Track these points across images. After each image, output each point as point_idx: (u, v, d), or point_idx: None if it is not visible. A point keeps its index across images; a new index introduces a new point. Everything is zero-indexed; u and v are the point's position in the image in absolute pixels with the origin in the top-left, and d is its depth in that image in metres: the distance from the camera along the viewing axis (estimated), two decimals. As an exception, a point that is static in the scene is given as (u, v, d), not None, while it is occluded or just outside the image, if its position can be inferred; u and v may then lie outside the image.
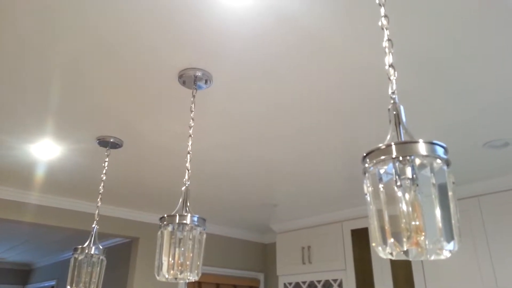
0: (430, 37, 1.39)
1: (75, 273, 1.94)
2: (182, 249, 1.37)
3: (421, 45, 1.43)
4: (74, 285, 1.90)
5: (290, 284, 3.73)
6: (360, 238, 3.43)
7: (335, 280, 3.36)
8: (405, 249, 0.72)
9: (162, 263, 1.36)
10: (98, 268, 1.99)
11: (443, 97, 1.74)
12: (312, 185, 2.88)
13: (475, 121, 1.93)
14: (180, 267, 1.36)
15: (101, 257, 1.99)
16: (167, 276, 1.32)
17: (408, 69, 1.56)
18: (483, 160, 2.37)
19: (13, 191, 3.03)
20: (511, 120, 1.92)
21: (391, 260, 3.06)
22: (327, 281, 3.54)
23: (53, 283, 5.93)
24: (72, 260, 1.95)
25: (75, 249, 1.94)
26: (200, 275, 1.39)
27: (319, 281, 3.48)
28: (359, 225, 3.30)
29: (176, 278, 1.35)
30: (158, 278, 1.35)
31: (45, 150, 2.34)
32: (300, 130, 2.06)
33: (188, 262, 1.37)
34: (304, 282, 3.61)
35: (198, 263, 1.39)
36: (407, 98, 1.75)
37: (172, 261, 1.36)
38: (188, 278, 1.34)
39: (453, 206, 0.76)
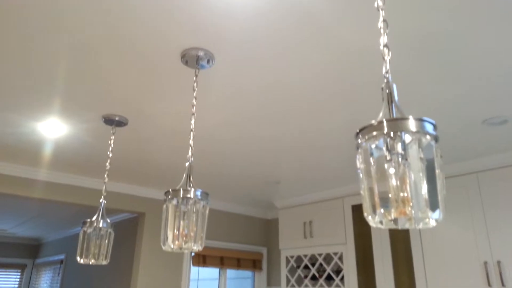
0: (424, 13, 1.40)
1: (84, 245, 2.02)
2: (186, 221, 1.44)
3: (416, 22, 1.44)
4: (83, 256, 1.99)
5: (292, 257, 3.84)
6: (361, 213, 3.51)
7: (335, 254, 3.46)
8: (393, 217, 0.77)
9: (167, 235, 1.43)
10: (106, 241, 2.08)
11: (441, 75, 1.76)
12: (314, 162, 2.93)
13: (473, 98, 1.96)
14: (184, 238, 1.43)
15: (109, 230, 2.07)
16: (172, 246, 1.39)
17: (404, 47, 1.58)
18: (482, 137, 2.40)
19: (22, 168, 3.11)
20: (509, 97, 1.94)
21: (390, 234, 3.14)
22: (327, 255, 3.65)
23: (62, 257, 6.11)
24: (81, 233, 2.03)
25: (84, 223, 2.02)
26: (203, 245, 1.46)
27: (320, 255, 3.58)
28: (360, 201, 3.37)
29: (181, 248, 1.43)
30: (164, 248, 1.42)
31: (52, 128, 2.40)
32: (301, 109, 2.10)
33: (192, 234, 1.43)
34: (305, 256, 3.72)
35: (202, 234, 1.46)
36: (404, 77, 1.77)
37: (177, 233, 1.43)
38: (193, 248, 1.41)
39: (439, 179, 0.81)
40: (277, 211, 4.58)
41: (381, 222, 0.83)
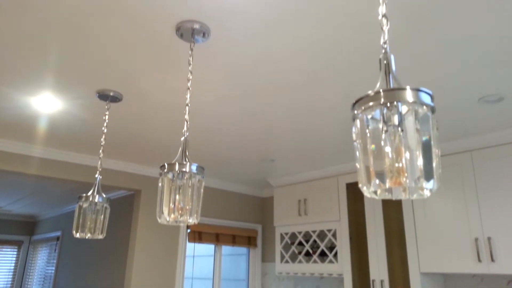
0: (428, -12, 1.38)
1: (80, 220, 2.03)
2: (182, 195, 1.44)
3: (419, -3, 1.42)
4: (79, 230, 2.00)
5: (286, 234, 3.89)
6: (355, 191, 3.54)
7: (329, 230, 3.51)
8: (387, 187, 0.77)
9: (163, 208, 1.44)
10: (102, 216, 2.09)
11: (438, 51, 1.75)
12: (309, 140, 2.93)
13: (470, 76, 1.95)
14: (180, 211, 1.43)
15: (104, 205, 2.08)
16: (168, 219, 1.40)
17: (400, 20, 1.56)
18: (477, 115, 2.41)
19: (16, 144, 3.09)
20: (506, 74, 1.94)
21: (384, 212, 3.18)
22: (321, 231, 3.70)
23: (58, 233, 6.16)
24: (77, 208, 2.04)
25: (80, 197, 2.02)
26: (199, 219, 1.47)
27: (314, 231, 3.63)
28: (354, 178, 3.40)
29: (176, 221, 1.44)
30: (160, 221, 1.43)
31: (46, 103, 2.37)
32: (297, 85, 2.08)
33: (187, 207, 1.44)
34: (299, 232, 3.77)
35: (197, 208, 1.46)
36: (401, 52, 1.76)
37: (173, 206, 1.44)
38: (188, 221, 1.42)
39: (434, 150, 0.81)
40: (272, 189, 4.61)
41: (375, 192, 0.83)
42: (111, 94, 2.25)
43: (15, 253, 7.13)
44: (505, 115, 2.39)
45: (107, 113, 2.32)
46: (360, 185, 0.85)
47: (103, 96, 2.26)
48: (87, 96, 2.27)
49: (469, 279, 2.84)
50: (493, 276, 2.73)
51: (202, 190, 1.51)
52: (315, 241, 3.70)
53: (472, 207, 2.60)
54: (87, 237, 2.00)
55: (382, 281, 2.95)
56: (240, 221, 4.50)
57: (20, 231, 7.22)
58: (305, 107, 2.37)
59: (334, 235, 3.51)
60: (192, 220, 1.43)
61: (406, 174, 0.79)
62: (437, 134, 0.84)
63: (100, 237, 2.03)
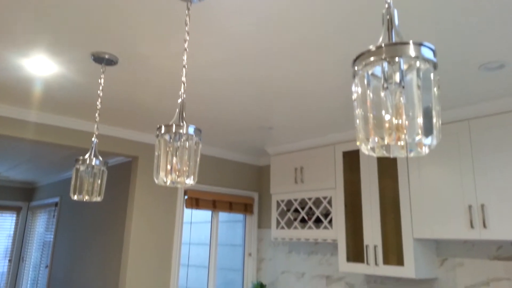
0: None
1: (78, 183, 2.04)
2: (179, 157, 1.44)
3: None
4: (77, 193, 2.01)
5: (282, 201, 3.94)
6: (351, 160, 3.56)
7: (325, 198, 3.55)
8: (386, 143, 0.77)
9: (160, 169, 1.44)
10: (99, 180, 2.09)
11: (437, 16, 1.70)
12: (307, 108, 2.91)
13: (471, 42, 1.92)
14: (177, 173, 1.43)
15: (102, 168, 2.08)
16: (165, 180, 1.40)
17: (409, -18, 1.51)
18: (477, 83, 2.39)
19: (11, 108, 3.06)
20: (508, 40, 1.90)
21: (379, 182, 3.21)
22: (317, 199, 3.75)
23: (56, 199, 6.21)
24: (74, 171, 2.04)
25: (77, 160, 2.02)
26: (196, 180, 1.47)
27: (309, 199, 3.68)
28: (351, 147, 3.40)
29: (174, 183, 1.44)
30: (157, 182, 1.43)
31: (39, 66, 2.32)
32: (296, 50, 2.04)
33: (185, 168, 1.44)
34: (295, 200, 3.82)
35: (194, 169, 1.47)
36: (402, 14, 1.72)
37: (170, 167, 1.44)
38: (185, 182, 1.43)
39: (435, 106, 0.80)
40: (269, 158, 4.63)
41: (373, 149, 0.83)
42: (106, 57, 2.20)
43: (14, 219, 7.22)
44: (505, 82, 2.37)
45: (102, 76, 2.28)
46: (358, 143, 0.85)
47: (98, 59, 2.22)
48: (82, 59, 2.23)
49: (461, 245, 2.90)
50: (484, 242, 2.79)
51: (199, 152, 1.50)
52: (310, 208, 3.75)
53: (467, 175, 2.62)
54: (84, 200, 2.01)
55: (375, 247, 3.01)
56: (237, 188, 4.54)
57: (19, 197, 7.28)
58: (303, 74, 2.34)
59: (329, 202, 3.56)
60: (189, 181, 1.43)
61: (405, 131, 0.79)
62: (438, 91, 0.83)
63: (98, 199, 2.04)
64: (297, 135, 3.70)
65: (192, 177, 1.45)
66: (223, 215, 4.72)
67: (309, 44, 2.01)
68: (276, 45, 2.02)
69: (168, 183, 1.43)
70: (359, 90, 0.86)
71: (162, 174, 1.41)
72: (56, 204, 6.20)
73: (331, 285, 3.69)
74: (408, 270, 2.78)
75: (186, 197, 4.07)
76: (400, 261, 3.03)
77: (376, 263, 2.98)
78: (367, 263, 3.04)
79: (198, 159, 1.49)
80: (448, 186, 2.70)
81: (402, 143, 0.82)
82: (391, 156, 0.83)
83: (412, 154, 0.83)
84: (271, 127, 3.51)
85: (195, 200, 4.14)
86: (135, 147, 3.79)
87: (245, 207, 4.55)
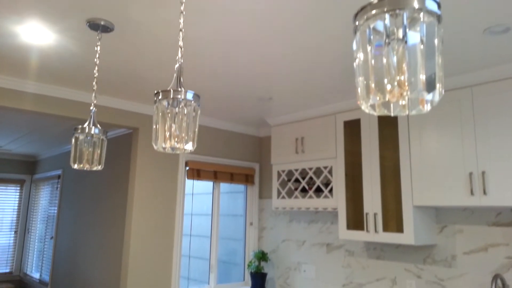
0: None
1: (77, 152, 2.03)
2: (178, 123, 1.42)
3: None
4: (77, 162, 2.01)
5: (283, 171, 3.95)
6: (352, 129, 3.54)
7: (325, 167, 3.56)
8: (387, 99, 0.75)
9: (158, 136, 1.43)
10: (99, 149, 2.08)
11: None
12: (307, 77, 2.87)
13: (476, 4, 1.86)
14: (176, 139, 1.42)
15: (101, 137, 2.07)
16: (164, 145, 1.39)
17: None
18: (481, 48, 2.33)
19: (8, 79, 3.02)
20: (516, 2, 1.84)
21: (380, 150, 3.20)
22: (318, 169, 3.75)
23: (59, 172, 6.25)
24: (73, 140, 2.03)
25: (75, 129, 2.01)
26: (195, 146, 1.46)
27: (310, 168, 3.68)
28: (352, 116, 3.38)
29: (172, 149, 1.43)
30: (156, 148, 1.42)
31: (34, 34, 2.27)
32: (297, 18, 1.98)
33: (183, 134, 1.43)
34: (296, 170, 3.83)
35: (194, 135, 1.45)
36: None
37: (168, 133, 1.42)
38: (184, 148, 1.42)
39: (438, 61, 0.78)
40: (270, 128, 4.62)
41: (373, 107, 0.81)
42: (102, 23, 2.15)
43: (18, 191, 7.30)
44: (510, 47, 2.32)
45: (99, 44, 2.23)
46: (358, 102, 0.83)
47: (94, 25, 2.16)
48: (77, 26, 2.18)
49: (460, 212, 2.93)
50: (484, 209, 2.81)
51: (198, 118, 1.48)
52: (311, 178, 3.76)
53: (468, 142, 2.61)
54: (85, 168, 2.01)
55: (375, 214, 3.04)
56: (238, 159, 4.55)
57: (22, 170, 7.33)
58: (303, 43, 2.29)
59: (330, 172, 3.57)
60: (188, 147, 1.42)
61: (407, 87, 0.76)
62: (441, 45, 0.80)
63: (99, 168, 2.04)
64: (297, 106, 3.67)
65: (191, 143, 1.44)
66: (224, 186, 4.75)
67: (308, 13, 1.95)
68: (275, 14, 1.97)
69: (167, 149, 1.42)
70: (360, 46, 0.83)
71: (160, 140, 1.40)
72: (58, 177, 6.25)
73: (331, 252, 3.75)
74: (407, 236, 2.81)
75: (187, 168, 4.09)
76: (399, 228, 3.06)
77: (376, 230, 3.02)
78: (367, 230, 3.08)
79: (197, 125, 1.48)
80: (449, 154, 2.69)
81: (404, 102, 0.80)
82: (392, 114, 0.81)
83: (413, 112, 0.81)
84: (271, 98, 3.48)
85: (196, 171, 4.16)
86: (135, 118, 3.77)
87: (246, 178, 4.58)
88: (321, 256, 3.83)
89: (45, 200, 6.77)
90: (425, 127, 2.85)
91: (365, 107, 0.80)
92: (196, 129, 1.47)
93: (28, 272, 6.86)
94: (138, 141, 3.77)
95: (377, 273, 3.36)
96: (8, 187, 7.21)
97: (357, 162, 3.46)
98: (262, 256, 4.20)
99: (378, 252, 3.38)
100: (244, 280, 4.46)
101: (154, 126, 1.45)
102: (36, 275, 6.51)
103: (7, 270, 7.02)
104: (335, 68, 2.72)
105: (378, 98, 0.77)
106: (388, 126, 3.28)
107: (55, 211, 6.14)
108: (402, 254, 3.21)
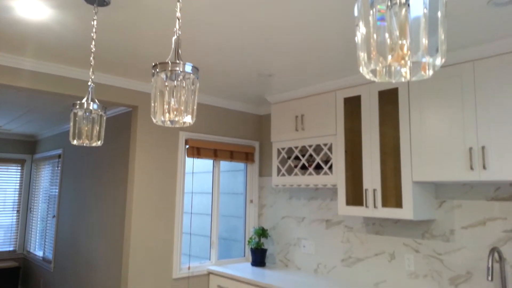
0: None
1: (76, 128, 2.02)
2: (176, 95, 1.41)
3: None
4: (76, 137, 2.00)
5: (283, 149, 3.95)
6: (352, 107, 3.52)
7: (325, 144, 3.56)
8: (388, 63, 0.74)
9: (157, 109, 1.41)
10: (98, 125, 2.07)
11: None
12: (307, 53, 2.83)
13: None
14: (175, 112, 1.41)
15: (100, 113, 2.05)
16: (162, 119, 1.38)
17: None
18: (484, 20, 2.29)
19: (4, 55, 2.99)
20: (521, -29, 1.80)
21: (380, 126, 3.19)
22: (317, 146, 3.76)
23: (59, 151, 6.26)
24: (72, 115, 2.02)
25: (74, 104, 1.99)
26: (194, 119, 1.45)
27: (310, 146, 3.68)
28: (352, 93, 3.35)
29: (172, 122, 1.42)
30: (154, 121, 1.42)
31: (30, 9, 2.23)
32: (296, -17, 1.94)
33: (182, 107, 1.42)
34: (296, 147, 3.83)
35: (193, 108, 1.44)
36: None
37: (167, 107, 1.41)
38: (183, 121, 1.41)
39: (441, 25, 0.76)
40: (270, 106, 4.59)
41: (374, 72, 0.80)
42: (98, -4, 2.11)
43: (19, 171, 7.33)
44: (514, 20, 2.28)
45: (95, 17, 2.19)
46: (360, 68, 0.82)
47: (90, -1, 2.12)
48: (73, 0, 2.13)
49: (460, 187, 2.94)
50: (483, 184, 2.83)
51: (196, 90, 1.47)
52: (311, 155, 3.77)
53: (469, 117, 2.60)
54: (84, 144, 2.01)
55: (374, 190, 3.06)
56: (238, 138, 4.54)
57: (22, 150, 7.34)
58: (304, 18, 2.24)
59: (330, 149, 3.57)
60: (187, 120, 1.41)
61: (409, 52, 0.75)
62: (445, 9, 0.78)
63: (98, 143, 2.04)
64: (297, 82, 3.63)
65: (190, 116, 1.43)
66: (224, 165, 4.76)
67: (310, -21, 1.90)
68: (275, -20, 1.92)
69: (166, 123, 1.41)
70: (362, 11, 0.81)
71: (159, 113, 1.39)
72: (59, 156, 6.26)
73: (330, 228, 3.79)
74: (406, 212, 2.84)
75: (187, 146, 4.09)
76: (398, 204, 3.09)
77: (375, 206, 3.04)
78: (366, 206, 3.10)
79: (196, 98, 1.46)
80: (449, 129, 2.68)
81: (405, 68, 0.79)
82: (393, 80, 0.80)
83: (414, 78, 0.80)
84: (270, 74, 3.45)
85: (196, 149, 4.16)
86: (134, 96, 3.74)
87: (246, 156, 4.58)
88: (320, 232, 3.87)
89: (46, 180, 6.80)
90: (426, 103, 2.83)
91: (365, 73, 0.79)
92: (195, 102, 1.45)
93: (31, 250, 6.95)
94: (137, 120, 3.76)
95: (375, 248, 3.41)
96: (9, 167, 7.23)
97: (357, 139, 3.45)
98: (262, 233, 4.25)
99: (377, 228, 3.42)
100: (244, 256, 4.53)
101: (152, 100, 1.43)
102: (39, 253, 6.60)
103: (11, 249, 7.12)
104: (337, 43, 2.68)
105: (380, 62, 0.76)
106: (388, 102, 3.26)
107: (57, 192, 6.17)
108: (401, 229, 3.24)
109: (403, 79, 0.80)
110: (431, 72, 0.77)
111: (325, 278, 3.64)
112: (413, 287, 3.11)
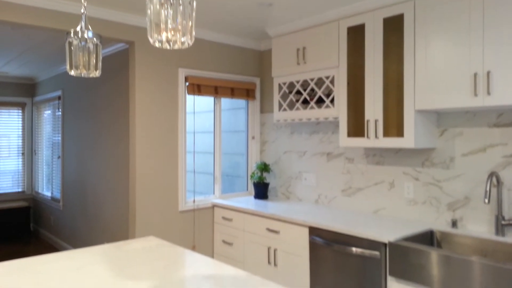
0: None
1: (73, 58, 1.97)
2: (173, 13, 1.36)
3: None
4: (73, 68, 1.96)
5: (284, 84, 3.90)
6: (356, 37, 3.41)
7: (327, 77, 3.50)
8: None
9: (153, 28, 1.37)
10: (95, 55, 2.02)
11: None
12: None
13: None
14: (172, 32, 1.37)
15: (96, 42, 2.00)
16: (159, 38, 1.34)
17: None
18: None
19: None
20: None
21: (384, 57, 3.11)
22: (319, 79, 3.70)
23: (59, 93, 6.21)
24: (67, 45, 1.96)
25: (67, 33, 1.93)
26: (193, 40, 1.41)
27: (312, 79, 3.63)
28: (356, 21, 3.23)
29: (169, 43, 1.38)
30: (151, 41, 1.38)
31: None
32: None
33: (180, 27, 1.37)
34: (297, 81, 3.77)
35: (191, 28, 1.39)
36: None
37: (164, 26, 1.37)
38: (181, 41, 1.37)
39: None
40: (270, 41, 4.46)
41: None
42: None
43: (20, 115, 7.33)
44: None
45: None
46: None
47: None
48: None
49: (462, 115, 2.94)
50: (486, 111, 2.81)
51: (194, 9, 1.41)
52: (312, 89, 3.72)
53: (475, 43, 2.52)
54: (82, 74, 1.98)
55: (376, 121, 3.06)
56: (238, 74, 4.47)
57: (22, 93, 7.29)
58: None
59: (331, 82, 3.51)
60: (185, 40, 1.37)
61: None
62: None
63: (96, 74, 2.01)
64: (299, 12, 3.49)
65: (188, 36, 1.39)
66: (225, 103, 4.73)
67: None
68: None
69: (164, 43, 1.37)
70: None
71: (156, 32, 1.35)
72: (59, 98, 6.22)
73: (331, 161, 3.85)
74: (407, 140, 2.86)
75: (187, 83, 4.03)
76: (400, 133, 3.10)
77: (376, 136, 3.06)
78: (367, 136, 3.12)
79: (194, 16, 1.41)
80: (455, 55, 2.62)
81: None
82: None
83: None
84: (271, 4, 3.31)
85: (196, 86, 4.11)
86: (130, 31, 3.63)
87: (247, 93, 4.54)
88: (321, 164, 3.94)
89: (48, 126, 6.82)
90: (432, 27, 2.73)
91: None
92: (193, 21, 1.40)
93: (39, 191, 7.16)
94: (135, 56, 3.67)
95: (375, 177, 3.48)
96: (10, 111, 7.22)
97: (360, 70, 3.39)
98: (264, 167, 4.33)
99: (378, 158, 3.46)
100: (247, 190, 4.66)
101: (147, 18, 1.38)
102: (47, 193, 6.80)
103: (20, 190, 7.33)
104: (339, -35, 2.53)
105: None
106: (393, 32, 3.15)
107: (59, 138, 6.21)
108: (401, 159, 3.29)
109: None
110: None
111: (325, 207, 3.76)
112: (412, 213, 3.22)
